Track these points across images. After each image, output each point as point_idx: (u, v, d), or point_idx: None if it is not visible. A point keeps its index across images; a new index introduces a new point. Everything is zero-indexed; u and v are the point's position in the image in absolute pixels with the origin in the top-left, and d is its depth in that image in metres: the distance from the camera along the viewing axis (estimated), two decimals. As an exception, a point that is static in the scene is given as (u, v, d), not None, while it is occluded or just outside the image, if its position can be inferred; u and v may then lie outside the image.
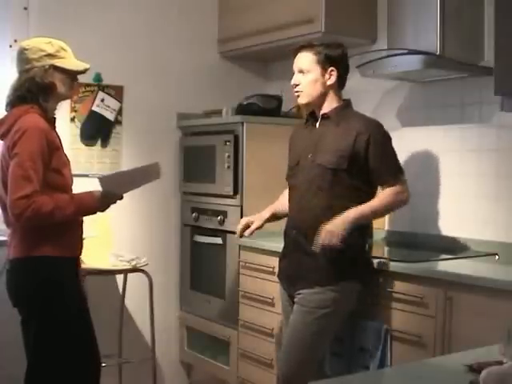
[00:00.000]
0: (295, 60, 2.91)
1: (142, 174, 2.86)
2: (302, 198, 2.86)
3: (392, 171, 2.85)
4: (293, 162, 2.97)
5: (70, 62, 2.73)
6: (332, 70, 2.84)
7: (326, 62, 2.83)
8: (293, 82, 2.90)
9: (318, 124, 2.91)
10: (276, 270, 3.12)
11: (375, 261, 2.88)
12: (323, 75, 2.84)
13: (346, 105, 2.91)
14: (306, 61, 2.86)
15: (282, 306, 3.03)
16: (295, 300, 2.85)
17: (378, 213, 2.89)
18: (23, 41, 2.83)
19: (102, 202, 2.70)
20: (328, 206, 2.78)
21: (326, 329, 2.82)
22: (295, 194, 2.92)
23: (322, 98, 2.87)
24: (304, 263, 2.83)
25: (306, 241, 2.82)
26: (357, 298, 2.83)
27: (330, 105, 2.88)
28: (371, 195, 2.87)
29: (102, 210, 2.75)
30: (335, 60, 2.84)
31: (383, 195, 2.83)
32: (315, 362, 2.86)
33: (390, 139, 2.87)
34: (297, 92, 2.89)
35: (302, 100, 2.89)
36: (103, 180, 2.70)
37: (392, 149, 2.87)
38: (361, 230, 2.81)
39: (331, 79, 2.85)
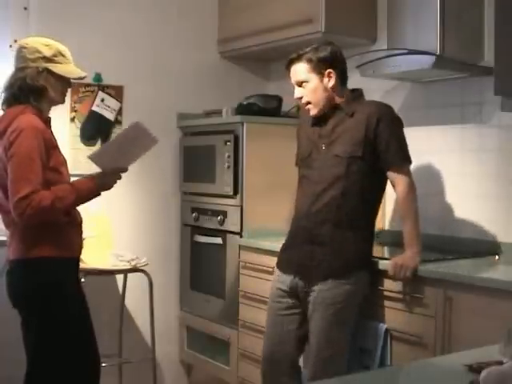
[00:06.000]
0: (291, 75, 2.89)
1: (129, 140, 2.72)
2: (317, 187, 2.85)
3: (399, 155, 2.82)
4: (304, 153, 2.95)
5: (65, 68, 2.67)
6: (330, 72, 2.83)
7: (320, 66, 2.82)
8: (295, 96, 2.90)
9: (329, 115, 2.88)
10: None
11: (375, 261, 2.88)
12: (322, 80, 2.83)
13: (358, 94, 2.90)
14: (300, 72, 2.85)
15: (274, 293, 2.95)
16: (310, 299, 2.81)
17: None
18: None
19: (102, 180, 2.67)
20: (342, 195, 2.79)
21: (347, 321, 2.81)
22: (308, 184, 2.90)
23: (330, 100, 2.86)
24: (316, 254, 2.82)
25: (318, 230, 2.82)
26: (368, 287, 2.83)
27: (340, 99, 2.87)
28: (383, 182, 2.87)
29: (107, 188, 2.70)
30: (328, 60, 2.83)
31: (410, 212, 2.80)
32: (345, 357, 2.83)
33: (400, 124, 2.86)
34: (305, 105, 2.88)
35: (314, 112, 2.88)
36: (94, 157, 2.66)
37: (402, 133, 2.85)
38: (363, 230, 2.84)
39: (331, 81, 2.84)
